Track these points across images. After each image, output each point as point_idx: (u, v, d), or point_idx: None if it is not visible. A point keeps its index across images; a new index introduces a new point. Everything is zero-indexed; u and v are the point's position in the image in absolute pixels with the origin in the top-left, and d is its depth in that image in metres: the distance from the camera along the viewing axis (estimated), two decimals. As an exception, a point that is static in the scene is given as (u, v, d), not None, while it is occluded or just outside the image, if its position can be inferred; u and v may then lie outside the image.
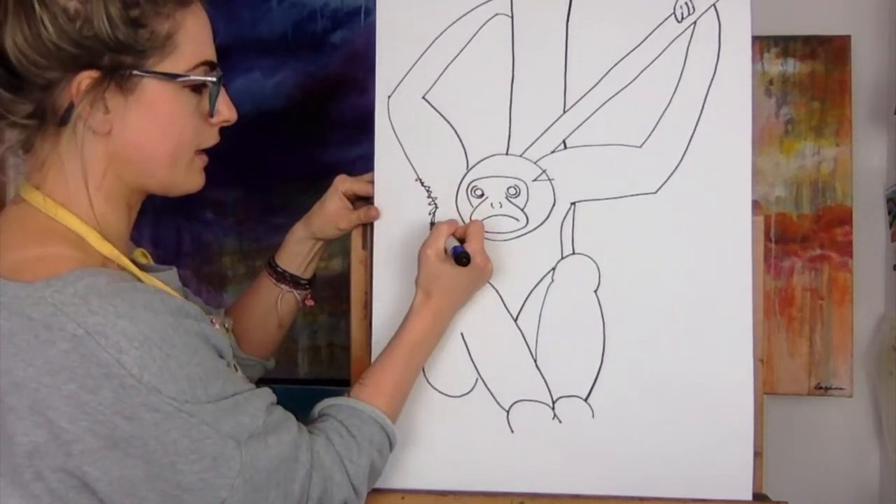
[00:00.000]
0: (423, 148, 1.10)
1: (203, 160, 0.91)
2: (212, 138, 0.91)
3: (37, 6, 0.77)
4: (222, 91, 0.89)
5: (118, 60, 0.80)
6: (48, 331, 0.75)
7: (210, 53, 0.87)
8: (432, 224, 1.09)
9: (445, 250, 1.01)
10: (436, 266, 1.01)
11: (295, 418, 0.89)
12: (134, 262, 0.88)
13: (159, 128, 0.84)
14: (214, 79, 0.86)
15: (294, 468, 0.85)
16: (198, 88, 0.86)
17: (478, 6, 1.09)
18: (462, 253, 0.98)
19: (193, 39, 0.84)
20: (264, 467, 0.82)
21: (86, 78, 0.79)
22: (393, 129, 1.10)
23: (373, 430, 0.94)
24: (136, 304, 0.77)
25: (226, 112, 0.90)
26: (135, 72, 0.81)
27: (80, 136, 0.81)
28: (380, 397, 0.97)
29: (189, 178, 0.90)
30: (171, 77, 0.83)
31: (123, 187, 0.86)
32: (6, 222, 0.84)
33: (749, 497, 1.04)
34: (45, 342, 0.75)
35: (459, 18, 1.09)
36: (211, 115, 0.88)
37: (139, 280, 0.84)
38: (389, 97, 1.10)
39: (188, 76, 0.84)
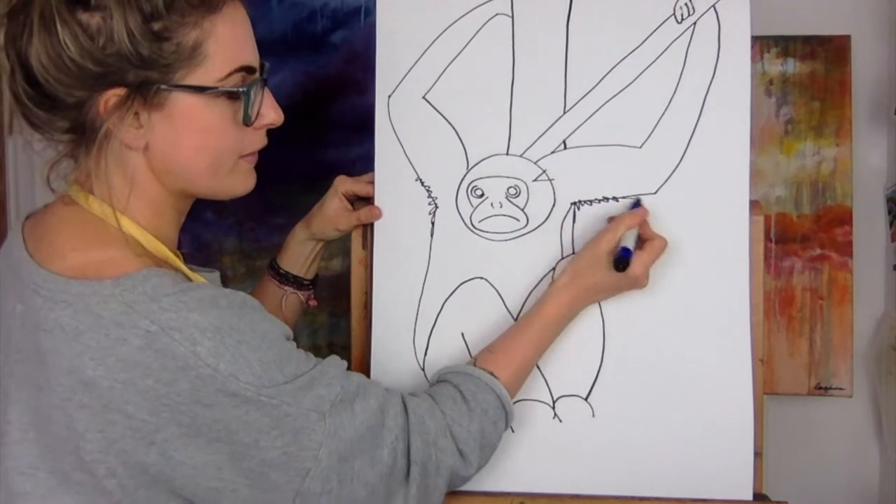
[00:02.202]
0: (423, 148, 1.10)
1: (251, 161, 0.90)
2: (257, 142, 0.89)
3: (58, 25, 0.75)
4: (266, 93, 0.87)
5: (144, 76, 0.78)
6: (120, 328, 0.75)
7: (246, 57, 0.84)
8: (433, 224, 1.09)
9: (618, 244, 0.99)
10: (599, 257, 0.99)
11: (380, 383, 0.89)
12: None
13: (194, 140, 0.83)
14: (245, 88, 0.83)
15: (381, 434, 0.85)
16: (235, 95, 0.83)
17: (478, 6, 1.09)
18: (623, 259, 0.96)
19: (226, 46, 0.82)
20: (348, 436, 0.82)
21: (112, 96, 0.79)
22: (393, 129, 1.10)
23: (489, 398, 0.93)
24: (204, 299, 0.78)
25: (271, 114, 0.88)
26: (162, 87, 0.79)
27: (116, 151, 0.81)
28: (506, 368, 0.96)
29: (234, 183, 0.89)
30: (200, 90, 0.81)
31: (168, 195, 0.86)
32: (59, 224, 0.84)
33: (749, 497, 1.04)
34: (117, 340, 0.75)
35: (459, 18, 1.09)
36: (245, 122, 0.85)
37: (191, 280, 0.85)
38: (389, 97, 1.10)
39: (218, 87, 0.82)
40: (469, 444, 0.91)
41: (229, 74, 0.82)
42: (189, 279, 0.84)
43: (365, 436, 0.83)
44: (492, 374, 0.95)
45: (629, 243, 0.99)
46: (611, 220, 1.03)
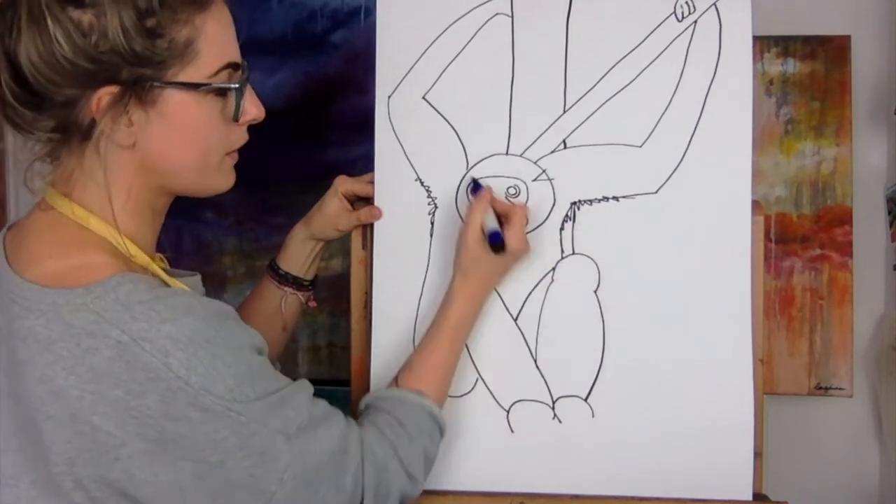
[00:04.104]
0: (423, 148, 1.10)
1: (233, 159, 0.90)
2: (241, 138, 0.90)
3: (49, 22, 0.75)
4: (249, 89, 0.87)
5: (137, 73, 0.78)
6: (91, 338, 0.74)
7: (233, 54, 0.84)
8: (432, 224, 1.09)
9: (483, 230, 1.00)
10: (473, 250, 1.00)
11: (341, 411, 0.89)
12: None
13: (184, 136, 0.83)
14: (237, 84, 0.84)
15: (345, 461, 0.85)
16: (222, 91, 0.84)
17: (478, 6, 1.09)
18: (497, 242, 0.97)
19: (215, 43, 0.82)
20: (313, 461, 0.82)
21: (105, 94, 0.78)
22: (393, 129, 1.10)
23: (420, 417, 0.94)
24: (178, 309, 0.77)
25: (253, 110, 0.88)
26: (155, 84, 0.79)
27: (105, 150, 0.81)
28: (429, 382, 0.97)
29: (218, 180, 0.89)
30: (193, 87, 0.81)
31: (150, 194, 0.86)
32: (38, 230, 0.83)
33: (749, 497, 1.04)
34: (88, 350, 0.74)
35: (459, 18, 1.09)
36: (235, 119, 0.85)
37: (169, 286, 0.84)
38: (389, 97, 1.10)
39: (210, 84, 0.82)
40: (415, 465, 0.91)
41: (218, 71, 0.83)
42: (166, 285, 0.83)
43: (329, 462, 0.83)
44: (418, 392, 0.96)
45: (493, 225, 0.99)
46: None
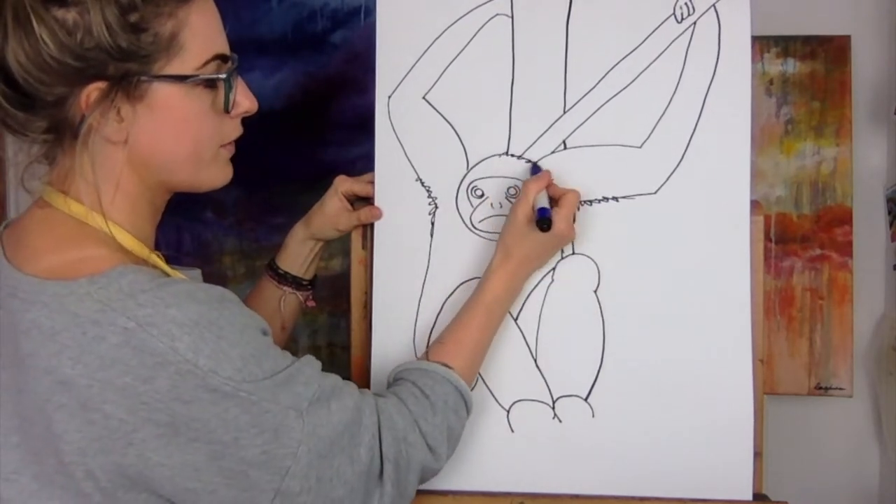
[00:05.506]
0: (423, 148, 1.10)
1: (229, 151, 0.90)
2: (234, 131, 0.90)
3: (34, 22, 0.75)
4: (240, 81, 0.87)
5: (124, 69, 0.78)
6: (97, 327, 0.75)
7: (220, 45, 0.85)
8: (433, 224, 1.09)
9: (533, 208, 1.00)
10: (522, 228, 1.01)
11: (354, 384, 0.89)
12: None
13: (175, 130, 0.83)
14: (225, 74, 0.84)
15: (358, 432, 0.85)
16: (212, 83, 0.84)
17: (478, 6, 1.09)
18: (544, 219, 0.97)
19: (200, 35, 0.82)
20: (327, 434, 0.82)
21: (94, 90, 0.78)
22: (393, 129, 1.10)
23: (446, 390, 0.94)
24: (181, 294, 0.77)
25: (245, 103, 0.88)
26: (142, 78, 0.79)
27: (97, 146, 0.81)
28: (457, 357, 0.97)
29: (214, 174, 0.89)
30: (180, 79, 0.81)
31: (146, 189, 0.86)
32: (35, 226, 0.84)
33: (749, 497, 1.04)
34: (95, 338, 0.75)
35: (459, 18, 1.09)
36: (226, 109, 0.85)
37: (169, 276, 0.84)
38: (389, 97, 1.10)
39: (198, 75, 0.82)
40: (436, 438, 0.91)
41: (206, 63, 0.83)
42: (167, 275, 0.84)
43: (343, 434, 0.83)
44: (445, 365, 0.96)
45: (544, 203, 1.00)
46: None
